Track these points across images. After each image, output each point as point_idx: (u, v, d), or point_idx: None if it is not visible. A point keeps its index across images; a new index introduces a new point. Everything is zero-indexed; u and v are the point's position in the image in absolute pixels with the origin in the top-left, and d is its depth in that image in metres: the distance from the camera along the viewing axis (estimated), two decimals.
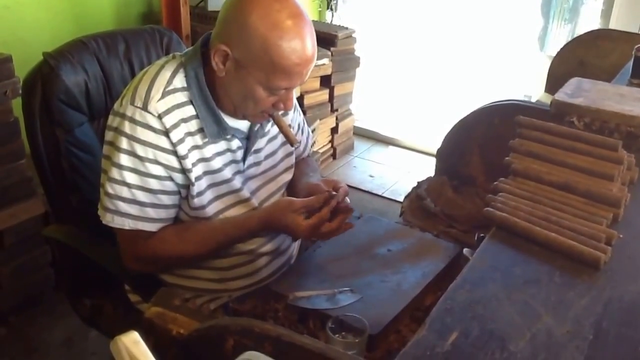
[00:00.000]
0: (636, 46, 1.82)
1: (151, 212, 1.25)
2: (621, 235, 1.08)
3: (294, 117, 1.50)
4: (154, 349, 0.74)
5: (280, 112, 1.32)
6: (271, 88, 1.20)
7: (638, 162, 1.26)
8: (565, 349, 0.83)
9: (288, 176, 1.47)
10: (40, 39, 2.45)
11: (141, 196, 1.24)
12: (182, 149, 1.23)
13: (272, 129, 1.40)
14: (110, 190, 1.24)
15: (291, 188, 1.47)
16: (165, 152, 1.23)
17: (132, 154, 1.22)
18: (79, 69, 1.47)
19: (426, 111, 4.01)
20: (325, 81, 3.39)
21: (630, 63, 1.85)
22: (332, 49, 3.32)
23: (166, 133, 1.22)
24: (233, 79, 1.22)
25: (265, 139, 1.39)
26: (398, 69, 4.11)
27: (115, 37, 1.58)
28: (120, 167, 1.22)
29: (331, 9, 3.82)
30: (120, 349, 0.74)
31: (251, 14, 1.15)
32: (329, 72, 3.34)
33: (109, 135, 1.26)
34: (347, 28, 3.47)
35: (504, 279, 0.97)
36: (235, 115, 1.29)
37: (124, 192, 1.23)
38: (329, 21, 3.82)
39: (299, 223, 1.25)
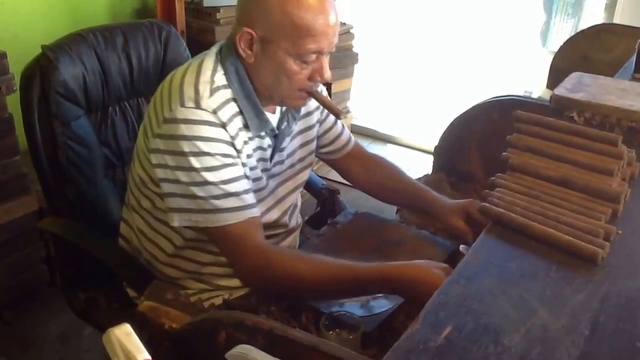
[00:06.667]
0: (639, 40, 1.80)
1: (248, 198, 1.23)
2: (620, 231, 1.06)
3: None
4: (147, 342, 0.74)
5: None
6: (300, 54, 1.20)
7: (639, 157, 1.25)
8: (561, 344, 0.81)
9: (305, 175, 1.47)
10: (34, 35, 2.43)
11: (230, 187, 1.21)
12: (238, 143, 1.24)
13: (294, 127, 1.40)
14: (201, 194, 1.19)
15: (417, 204, 1.52)
16: (226, 143, 1.22)
17: (199, 153, 1.19)
18: (77, 62, 1.47)
19: (426, 109, 3.99)
20: None
21: (634, 58, 1.83)
22: None
23: (223, 126, 1.21)
24: (262, 60, 1.22)
25: (288, 138, 1.39)
26: (397, 65, 4.09)
27: (114, 31, 1.58)
28: (195, 170, 1.18)
29: None
30: (112, 340, 0.74)
31: None
32: None
33: (164, 144, 1.21)
34: (344, 24, 3.44)
35: (499, 274, 0.96)
36: (272, 100, 1.29)
37: (214, 190, 1.19)
38: None
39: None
